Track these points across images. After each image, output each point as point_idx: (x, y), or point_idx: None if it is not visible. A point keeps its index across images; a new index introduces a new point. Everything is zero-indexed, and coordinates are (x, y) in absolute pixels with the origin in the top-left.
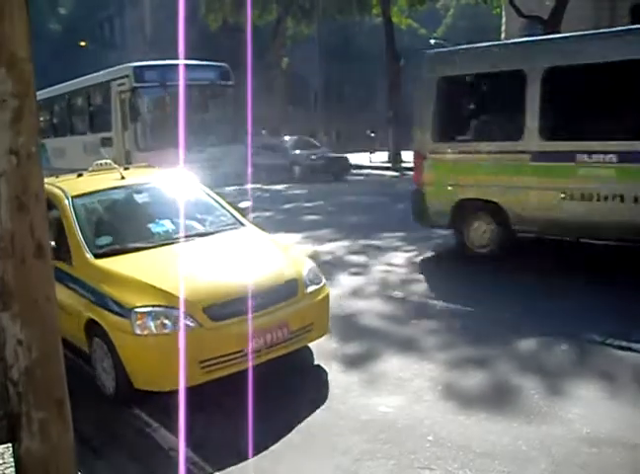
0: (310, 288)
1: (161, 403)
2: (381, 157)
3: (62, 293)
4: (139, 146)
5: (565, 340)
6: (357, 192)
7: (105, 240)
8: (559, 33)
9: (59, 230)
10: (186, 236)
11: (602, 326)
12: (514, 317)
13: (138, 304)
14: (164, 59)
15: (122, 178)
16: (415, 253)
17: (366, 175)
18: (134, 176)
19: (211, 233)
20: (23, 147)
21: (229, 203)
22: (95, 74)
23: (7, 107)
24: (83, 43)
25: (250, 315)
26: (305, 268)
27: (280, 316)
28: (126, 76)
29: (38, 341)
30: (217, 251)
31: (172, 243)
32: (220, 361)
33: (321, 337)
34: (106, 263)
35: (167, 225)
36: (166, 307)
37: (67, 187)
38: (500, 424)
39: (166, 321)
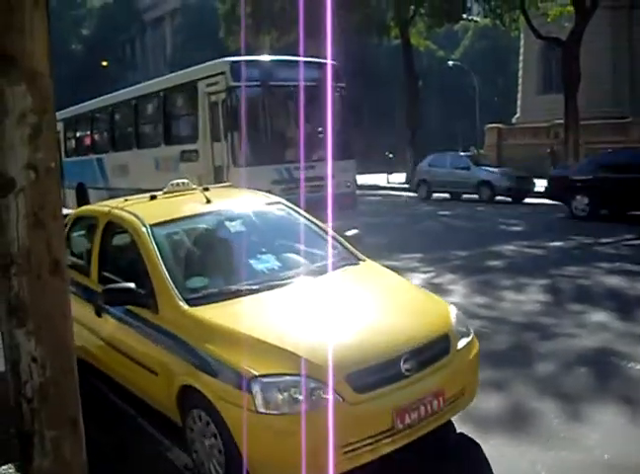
0: (461, 343)
1: None
2: (399, 178)
3: (144, 347)
4: (237, 161)
5: (585, 362)
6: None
7: (198, 282)
8: (577, 54)
9: (135, 266)
10: (297, 275)
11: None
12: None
13: (261, 372)
14: None
15: (208, 201)
16: (433, 274)
17: (385, 195)
18: (221, 199)
19: (326, 271)
20: (41, 163)
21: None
22: (172, 75)
23: (26, 122)
24: (105, 64)
25: (402, 383)
26: (452, 315)
27: (435, 382)
28: (220, 73)
29: (52, 358)
30: (343, 295)
31: (282, 285)
32: (367, 443)
33: (470, 403)
34: (205, 312)
35: (271, 261)
36: (298, 376)
37: (142, 212)
38: (518, 448)
39: (298, 395)
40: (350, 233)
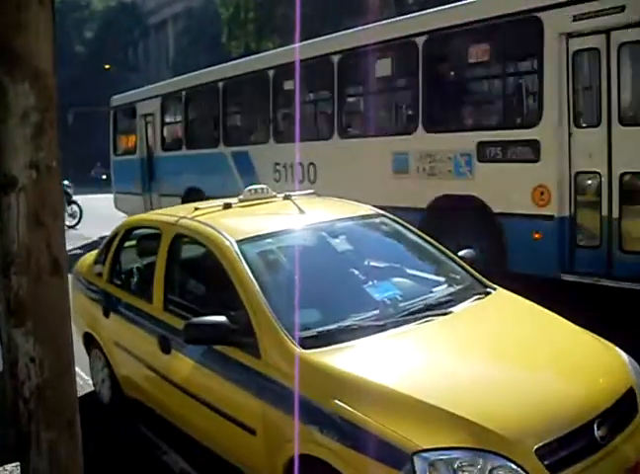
0: None
1: None
2: None
3: (238, 398)
4: None
5: None
6: None
7: (309, 316)
8: None
9: (218, 293)
10: (427, 307)
11: None
12: None
13: (426, 444)
14: None
15: (301, 212)
16: None
17: None
18: (314, 209)
19: (457, 302)
20: (43, 162)
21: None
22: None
23: (29, 121)
24: (107, 66)
25: (598, 455)
26: (627, 362)
27: (627, 453)
28: None
29: (50, 359)
30: (494, 338)
31: (411, 320)
32: None
33: None
34: (328, 358)
35: (391, 289)
36: (474, 450)
37: (221, 225)
38: None
39: None
40: (463, 253)
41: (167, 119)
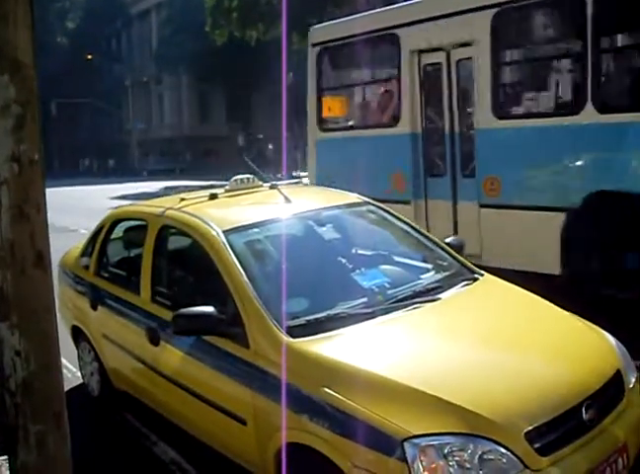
0: (631, 380)
1: None
2: None
3: (227, 389)
4: None
5: None
6: None
7: (297, 304)
8: None
9: (205, 284)
10: (415, 294)
11: None
12: None
13: (417, 430)
14: None
15: (288, 201)
16: None
17: None
18: (301, 198)
19: (444, 288)
20: (25, 155)
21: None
22: None
23: (9, 113)
24: (90, 57)
25: (586, 437)
26: (615, 345)
27: (615, 434)
28: None
29: (36, 352)
30: (482, 322)
31: (399, 307)
32: None
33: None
34: (316, 346)
35: (379, 276)
36: (464, 435)
37: (208, 215)
38: None
39: (466, 461)
40: (449, 239)
41: (513, 57)
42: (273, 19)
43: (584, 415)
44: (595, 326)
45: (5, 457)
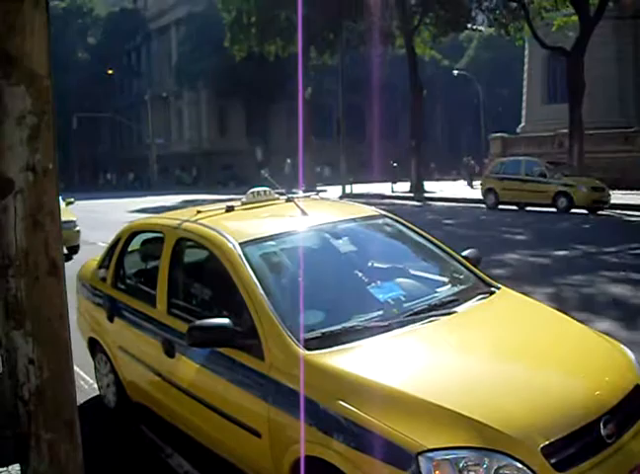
0: None
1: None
2: (403, 187)
3: (243, 401)
4: None
5: None
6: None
7: (313, 317)
8: (582, 63)
9: (222, 296)
10: (432, 308)
11: None
12: None
13: (431, 444)
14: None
15: (304, 214)
16: None
17: (389, 204)
18: (317, 211)
19: (460, 302)
20: (39, 164)
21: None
22: None
23: (25, 124)
24: (110, 72)
25: (604, 453)
26: (633, 358)
27: (635, 450)
28: None
29: (49, 360)
30: (499, 336)
31: (416, 320)
32: None
33: None
34: (332, 359)
35: (395, 289)
36: (480, 450)
37: (224, 227)
38: None
39: None
40: (466, 253)
41: None
42: (291, 34)
43: (602, 430)
44: (613, 340)
45: (16, 466)
